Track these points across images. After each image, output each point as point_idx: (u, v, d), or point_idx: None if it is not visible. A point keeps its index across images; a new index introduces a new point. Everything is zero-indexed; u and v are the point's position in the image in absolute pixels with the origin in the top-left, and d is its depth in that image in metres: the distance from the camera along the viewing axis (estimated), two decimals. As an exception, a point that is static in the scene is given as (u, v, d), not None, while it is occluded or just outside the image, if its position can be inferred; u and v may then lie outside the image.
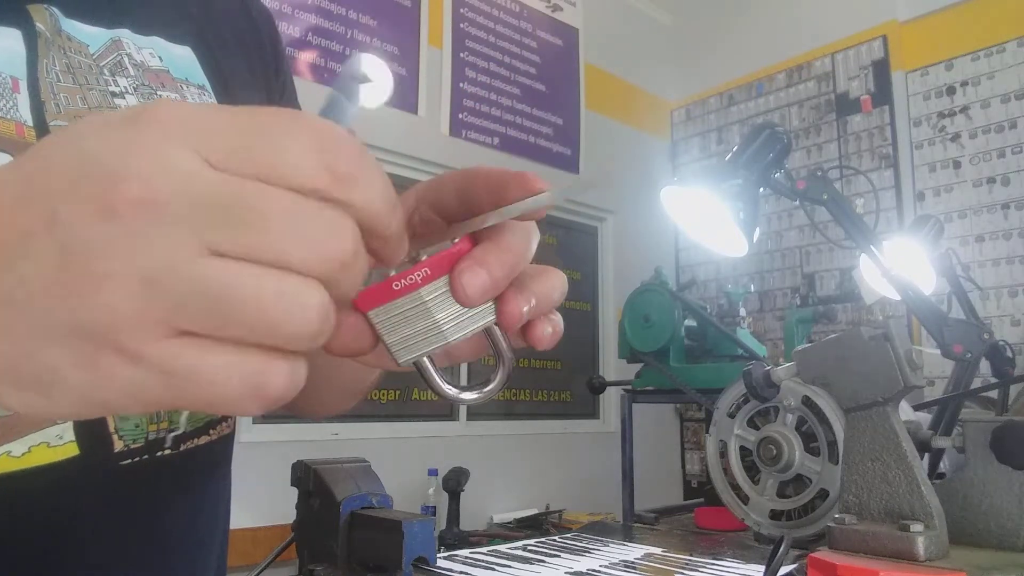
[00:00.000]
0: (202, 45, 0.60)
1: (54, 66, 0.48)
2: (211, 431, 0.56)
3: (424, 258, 0.31)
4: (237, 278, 0.23)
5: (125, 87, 0.52)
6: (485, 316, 0.32)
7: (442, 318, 0.31)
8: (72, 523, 0.48)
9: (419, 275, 0.30)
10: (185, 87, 0.56)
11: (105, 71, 0.51)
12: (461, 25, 3.32)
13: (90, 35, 0.52)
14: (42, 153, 0.25)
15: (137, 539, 0.52)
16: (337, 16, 2.86)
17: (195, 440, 0.54)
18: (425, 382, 0.33)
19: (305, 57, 2.72)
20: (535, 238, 0.33)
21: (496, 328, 0.33)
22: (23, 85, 0.46)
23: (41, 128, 0.46)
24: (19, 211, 0.24)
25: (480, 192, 0.33)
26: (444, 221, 0.36)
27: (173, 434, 0.52)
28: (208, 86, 0.58)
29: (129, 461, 0.49)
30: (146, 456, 0.50)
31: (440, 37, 3.22)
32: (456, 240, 0.31)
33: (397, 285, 0.30)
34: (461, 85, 3.27)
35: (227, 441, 0.60)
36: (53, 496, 0.46)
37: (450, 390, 0.34)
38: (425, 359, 0.32)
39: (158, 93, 0.53)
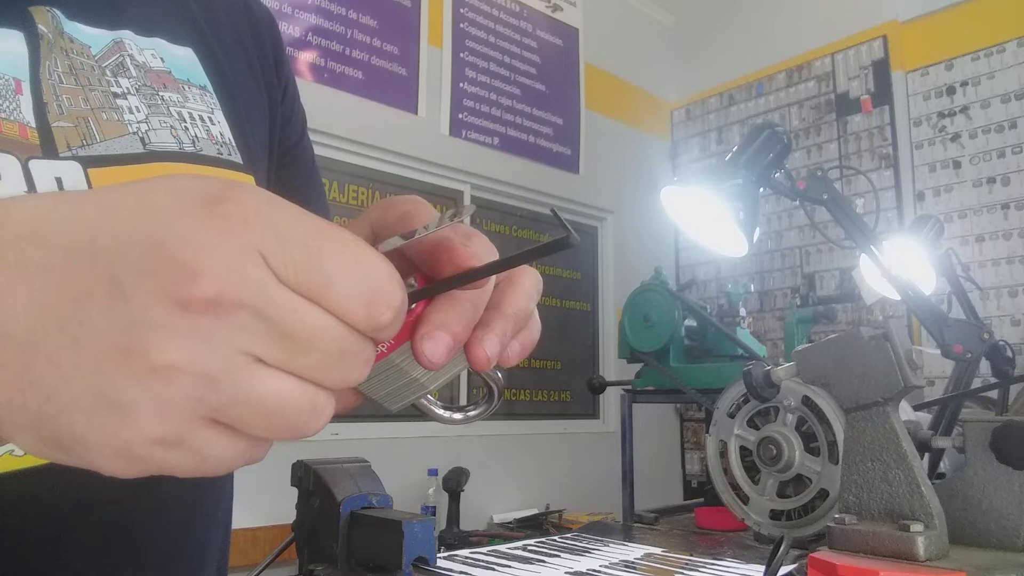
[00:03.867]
0: (203, 46, 0.60)
1: (56, 68, 0.48)
2: None
3: None
4: (281, 389, 0.26)
5: (127, 88, 0.52)
6: (457, 363, 0.33)
7: (418, 374, 0.32)
8: (74, 520, 0.48)
9: (383, 347, 0.31)
10: (187, 88, 0.56)
11: (107, 72, 0.51)
12: (461, 25, 3.32)
13: (92, 37, 0.52)
14: (108, 206, 0.25)
15: (139, 537, 0.52)
16: (337, 16, 2.86)
17: None
18: (425, 415, 0.35)
19: (305, 57, 2.72)
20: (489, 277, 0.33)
21: None
22: (26, 87, 0.47)
23: (44, 129, 0.46)
24: (78, 268, 0.24)
25: (415, 258, 0.34)
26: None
27: None
28: (209, 87, 0.59)
29: None
30: None
31: (440, 37, 3.22)
32: (411, 306, 0.31)
33: None
34: (461, 85, 3.27)
35: None
36: (55, 494, 0.46)
37: (452, 415, 0.36)
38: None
39: (160, 94, 0.54)
